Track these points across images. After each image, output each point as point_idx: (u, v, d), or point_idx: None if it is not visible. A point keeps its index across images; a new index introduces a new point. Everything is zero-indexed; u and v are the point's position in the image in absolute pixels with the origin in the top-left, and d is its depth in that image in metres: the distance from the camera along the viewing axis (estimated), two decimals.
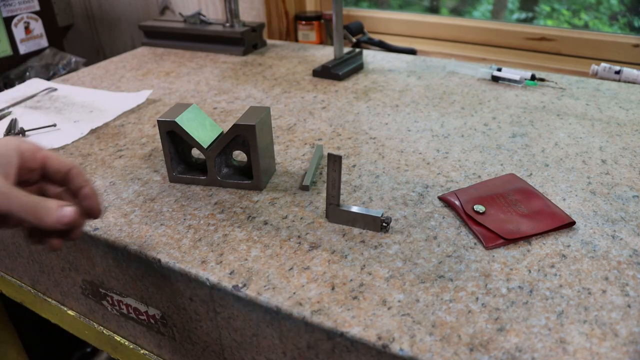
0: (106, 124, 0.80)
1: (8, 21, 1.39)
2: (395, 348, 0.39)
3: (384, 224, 0.52)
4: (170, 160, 0.62)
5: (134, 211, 0.58)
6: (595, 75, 0.95)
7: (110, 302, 0.60)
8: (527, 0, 1.21)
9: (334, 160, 0.49)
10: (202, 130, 0.61)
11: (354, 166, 0.65)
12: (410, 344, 0.39)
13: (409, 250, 0.49)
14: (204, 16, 1.16)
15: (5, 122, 0.81)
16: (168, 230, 0.54)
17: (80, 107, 0.86)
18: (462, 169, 0.63)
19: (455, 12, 1.31)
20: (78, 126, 0.79)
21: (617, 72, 0.93)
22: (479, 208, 0.53)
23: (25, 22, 1.43)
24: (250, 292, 0.45)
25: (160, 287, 0.52)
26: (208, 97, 0.89)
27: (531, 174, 0.61)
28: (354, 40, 1.24)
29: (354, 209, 0.53)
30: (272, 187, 0.61)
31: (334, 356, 0.43)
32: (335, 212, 0.53)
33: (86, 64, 1.48)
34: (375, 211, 0.52)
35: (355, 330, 0.41)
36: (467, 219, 0.53)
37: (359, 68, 0.99)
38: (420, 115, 0.78)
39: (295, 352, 0.45)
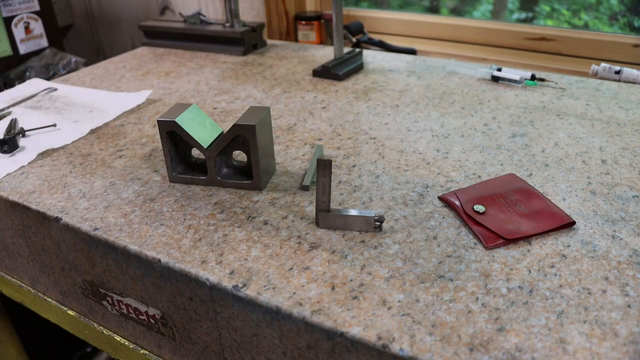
0: (106, 124, 0.80)
1: (8, 21, 1.39)
2: (395, 348, 0.39)
3: (377, 223, 0.52)
4: (170, 160, 0.62)
5: (134, 211, 0.58)
6: (595, 75, 0.95)
7: (110, 302, 0.60)
8: (527, 0, 1.21)
9: (324, 165, 0.49)
10: (202, 130, 0.61)
11: (354, 166, 0.65)
12: (410, 344, 0.39)
13: (409, 250, 0.49)
14: (204, 16, 1.16)
15: (5, 122, 0.81)
16: (168, 230, 0.54)
17: (80, 107, 0.86)
18: (462, 169, 0.63)
19: (455, 12, 1.31)
20: (78, 126, 0.79)
21: (617, 72, 0.93)
22: (479, 208, 0.53)
23: (25, 22, 1.43)
24: (250, 292, 0.45)
25: (160, 287, 0.52)
26: (208, 97, 0.89)
27: (531, 174, 0.61)
28: (354, 40, 1.24)
29: (345, 212, 0.52)
30: (272, 187, 0.61)
31: (334, 356, 0.43)
32: (325, 218, 0.53)
33: (86, 64, 1.48)
34: (368, 212, 0.52)
35: (355, 330, 0.41)
36: (467, 219, 0.53)
37: (359, 68, 0.99)
38: (420, 115, 0.78)
39: (295, 352, 0.45)
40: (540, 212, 0.53)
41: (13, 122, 0.78)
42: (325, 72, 0.95)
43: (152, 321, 0.56)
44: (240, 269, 0.48)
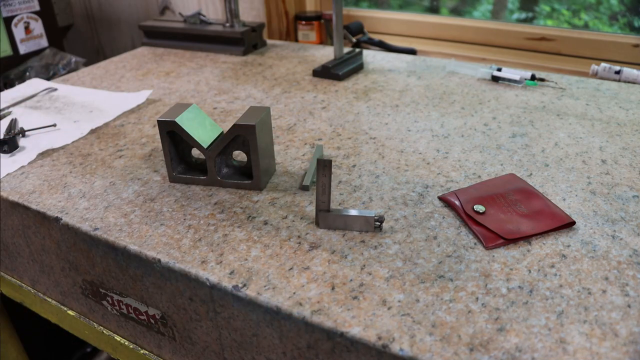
0: (106, 124, 0.80)
1: (8, 21, 1.39)
2: (395, 348, 0.39)
3: (377, 223, 0.52)
4: (170, 160, 0.62)
5: (134, 211, 0.58)
6: (595, 75, 0.95)
7: (110, 302, 0.60)
8: (527, 0, 1.21)
9: (324, 165, 0.49)
10: (202, 130, 0.61)
11: (354, 166, 0.65)
12: (410, 344, 0.39)
13: (409, 250, 0.49)
14: (204, 16, 1.16)
15: (5, 122, 0.81)
16: (168, 230, 0.54)
17: (80, 107, 0.86)
18: (462, 169, 0.63)
19: (455, 12, 1.31)
20: (78, 126, 0.79)
21: (617, 72, 0.93)
22: (479, 208, 0.53)
23: (25, 22, 1.43)
24: (250, 292, 0.45)
25: (160, 287, 0.52)
26: (208, 97, 0.89)
27: (531, 174, 0.61)
28: (354, 40, 1.24)
29: (345, 212, 0.52)
30: (272, 187, 0.61)
31: (334, 356, 0.43)
32: (325, 218, 0.53)
33: (86, 64, 1.48)
34: (368, 212, 0.52)
35: (355, 330, 0.41)
36: (467, 219, 0.53)
37: (359, 68, 0.99)
38: (420, 115, 0.78)
39: (295, 352, 0.45)
40: (540, 212, 0.53)
41: (13, 122, 0.78)
42: (325, 72, 0.95)
43: (152, 321, 0.56)
44: (240, 269, 0.48)
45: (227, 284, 0.46)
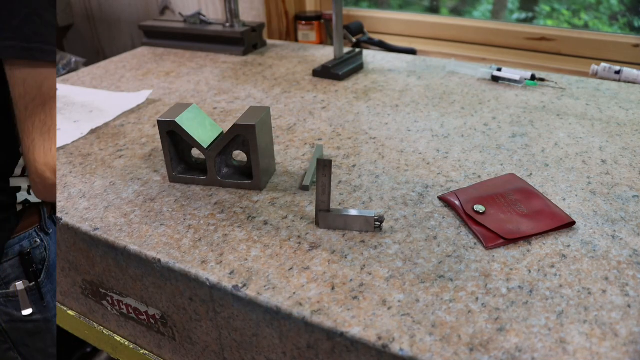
0: (106, 124, 0.80)
1: None
2: (395, 348, 0.39)
3: (377, 223, 0.52)
4: (170, 160, 0.62)
5: (134, 211, 0.58)
6: (595, 75, 0.95)
7: (110, 302, 0.60)
8: (527, 0, 1.21)
9: (324, 165, 0.49)
10: (202, 130, 0.61)
11: (354, 166, 0.65)
12: (410, 344, 0.39)
13: (409, 250, 0.49)
14: (204, 16, 1.16)
15: None
16: (168, 230, 0.54)
17: (80, 107, 0.86)
18: (462, 169, 0.63)
19: (455, 12, 1.31)
20: (78, 126, 0.79)
21: (617, 72, 0.93)
22: (479, 208, 0.53)
23: None
24: (250, 292, 0.45)
25: (160, 287, 0.52)
26: (208, 97, 0.89)
27: (531, 174, 0.61)
28: (354, 40, 1.24)
29: (345, 212, 0.52)
30: (272, 187, 0.61)
31: (334, 356, 0.43)
32: (325, 218, 0.53)
33: (86, 64, 1.48)
34: (368, 212, 0.52)
35: (355, 330, 0.41)
36: (467, 219, 0.53)
37: (359, 68, 0.99)
38: (420, 115, 0.78)
39: (295, 352, 0.45)
40: (540, 212, 0.53)
41: None
42: (325, 72, 0.95)
43: (152, 321, 0.56)
44: (240, 269, 0.48)
45: (227, 284, 0.46)
